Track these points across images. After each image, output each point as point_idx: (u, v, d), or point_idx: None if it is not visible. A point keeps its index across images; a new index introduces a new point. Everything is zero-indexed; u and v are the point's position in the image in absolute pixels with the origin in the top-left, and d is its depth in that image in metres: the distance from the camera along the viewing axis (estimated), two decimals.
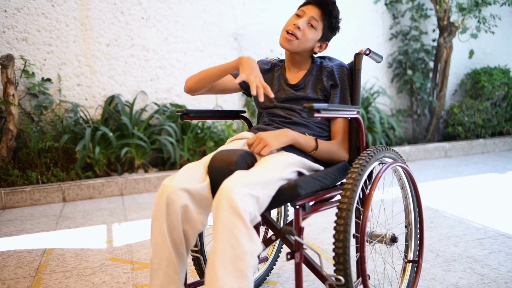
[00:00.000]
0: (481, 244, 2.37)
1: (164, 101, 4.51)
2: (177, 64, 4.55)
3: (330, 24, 1.67)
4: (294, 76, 1.75)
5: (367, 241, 1.56)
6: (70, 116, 4.13)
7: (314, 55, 1.78)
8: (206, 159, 1.48)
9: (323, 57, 1.81)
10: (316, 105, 1.29)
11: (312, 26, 1.65)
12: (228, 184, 1.24)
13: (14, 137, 3.80)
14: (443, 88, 5.14)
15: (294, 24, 1.64)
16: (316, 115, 1.30)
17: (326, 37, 1.70)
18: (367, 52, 1.69)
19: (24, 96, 4.03)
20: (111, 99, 4.29)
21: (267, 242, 1.66)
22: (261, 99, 1.45)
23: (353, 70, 1.70)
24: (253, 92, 1.44)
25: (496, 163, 4.54)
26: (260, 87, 1.45)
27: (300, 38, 1.64)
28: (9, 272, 2.26)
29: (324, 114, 1.33)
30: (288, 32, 1.65)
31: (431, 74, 5.25)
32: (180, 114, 1.68)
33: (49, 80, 4.12)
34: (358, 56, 1.68)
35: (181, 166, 4.25)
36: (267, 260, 1.99)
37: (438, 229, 2.65)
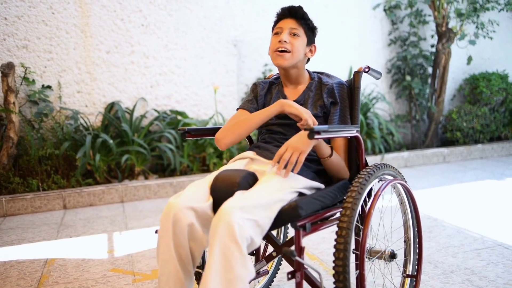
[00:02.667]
0: (479, 255, 2.39)
1: (164, 107, 4.53)
2: (177, 71, 4.57)
3: (308, 26, 1.73)
4: (292, 92, 1.78)
5: (366, 258, 1.58)
6: (70, 123, 4.15)
7: (309, 71, 1.81)
8: (211, 177, 1.51)
9: (320, 73, 1.83)
10: (316, 127, 1.32)
11: (295, 34, 1.69)
12: (227, 208, 1.27)
13: (14, 144, 3.82)
14: (442, 94, 5.17)
15: (279, 41, 1.68)
16: (316, 136, 1.33)
17: (310, 40, 1.75)
18: (366, 69, 1.72)
19: (24, 104, 4.05)
20: (111, 106, 4.31)
21: (267, 258, 1.68)
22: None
23: (352, 88, 1.72)
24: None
25: (494, 168, 4.57)
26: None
27: (291, 50, 1.68)
28: (11, 284, 2.28)
29: (324, 135, 1.35)
30: (278, 51, 1.69)
31: (429, 80, 5.27)
32: (181, 132, 1.70)
33: (49, 87, 4.13)
34: (357, 74, 1.70)
35: (181, 172, 4.28)
36: (268, 273, 2.01)
37: (437, 238, 2.67)
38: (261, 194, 1.36)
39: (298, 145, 1.46)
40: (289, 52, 1.67)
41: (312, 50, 1.77)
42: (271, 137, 1.71)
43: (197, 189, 1.46)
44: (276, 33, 1.72)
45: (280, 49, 1.68)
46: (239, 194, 1.35)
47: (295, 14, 1.70)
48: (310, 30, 1.74)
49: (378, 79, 1.81)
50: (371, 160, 4.70)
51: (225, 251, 1.23)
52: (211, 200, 1.43)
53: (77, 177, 3.91)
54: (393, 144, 5.10)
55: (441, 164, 4.95)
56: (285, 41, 1.67)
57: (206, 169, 4.36)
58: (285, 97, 1.76)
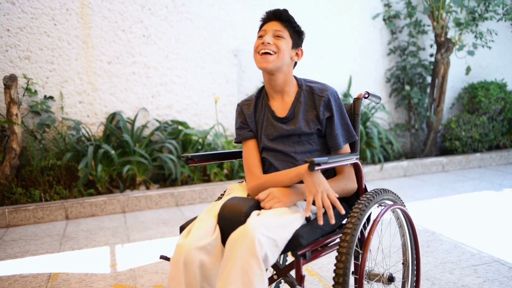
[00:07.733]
0: (476, 271, 2.43)
1: (165, 117, 4.57)
2: (178, 81, 4.60)
3: (294, 29, 1.68)
4: (280, 106, 1.70)
5: (365, 280, 1.62)
6: (72, 133, 4.18)
7: (296, 77, 1.75)
8: (216, 209, 1.53)
9: (308, 80, 1.76)
10: (317, 160, 1.36)
11: (279, 36, 1.63)
12: (252, 225, 1.34)
13: (17, 155, 3.85)
14: (441, 103, 5.21)
15: (263, 43, 1.62)
16: (316, 168, 1.37)
17: (296, 43, 1.69)
18: (366, 95, 1.75)
19: (27, 114, 4.08)
20: (112, 116, 4.34)
21: (268, 280, 1.71)
22: (321, 222, 1.43)
23: (352, 114, 1.75)
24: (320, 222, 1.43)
25: (493, 178, 4.60)
26: (329, 207, 1.44)
27: (277, 51, 1.62)
28: None
29: (325, 166, 1.39)
30: (261, 53, 1.63)
31: (428, 89, 5.31)
32: (185, 159, 1.72)
33: (51, 98, 4.17)
34: (357, 101, 1.73)
35: (182, 182, 4.31)
36: None
37: (434, 253, 2.70)
38: (280, 214, 1.44)
39: (280, 196, 1.52)
40: (274, 54, 1.61)
41: (298, 53, 1.70)
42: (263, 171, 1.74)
43: (204, 223, 1.47)
44: (260, 36, 1.66)
45: (262, 51, 1.61)
46: (255, 215, 1.41)
47: (279, 16, 1.66)
48: (296, 33, 1.68)
49: (378, 103, 1.85)
50: (371, 169, 4.75)
51: (246, 267, 1.28)
52: (217, 231, 1.45)
53: (79, 188, 3.95)
54: (392, 153, 5.14)
55: (440, 173, 4.99)
56: (269, 43, 1.61)
57: (207, 179, 4.40)
58: (273, 113, 1.69)
